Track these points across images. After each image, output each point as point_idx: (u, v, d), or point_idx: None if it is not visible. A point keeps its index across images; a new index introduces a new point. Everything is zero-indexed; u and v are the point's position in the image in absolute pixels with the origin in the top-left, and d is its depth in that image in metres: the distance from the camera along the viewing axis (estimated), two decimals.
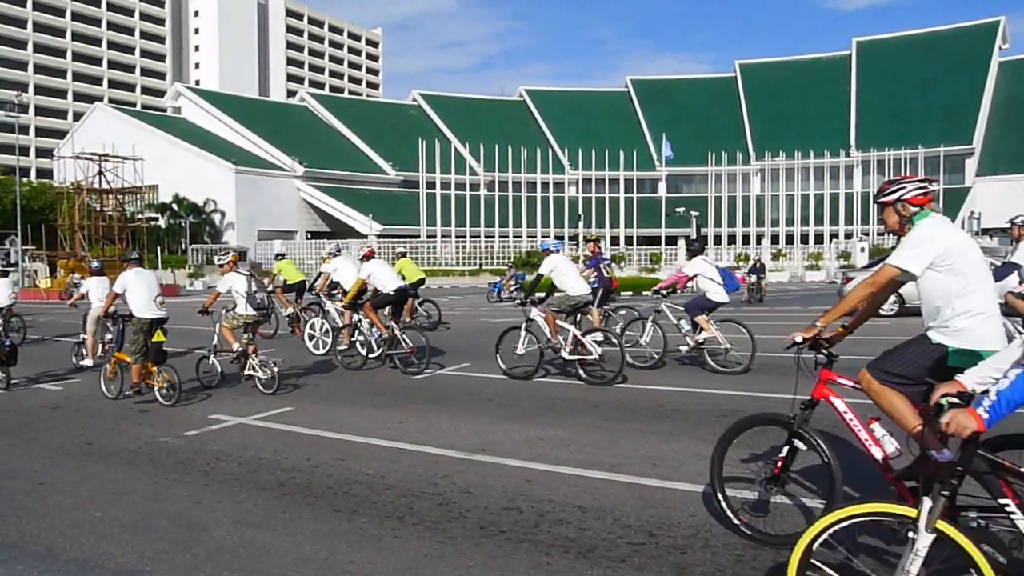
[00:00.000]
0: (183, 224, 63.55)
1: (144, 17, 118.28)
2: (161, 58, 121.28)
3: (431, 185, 65.76)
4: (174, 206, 64.66)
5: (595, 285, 12.49)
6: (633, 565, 4.00)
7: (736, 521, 4.32)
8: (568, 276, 10.20)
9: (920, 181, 4.06)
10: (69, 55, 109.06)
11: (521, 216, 68.04)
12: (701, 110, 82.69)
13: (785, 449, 4.17)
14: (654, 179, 79.72)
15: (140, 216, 62.10)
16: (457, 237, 63.26)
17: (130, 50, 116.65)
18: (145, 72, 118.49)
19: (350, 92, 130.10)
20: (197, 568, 4.12)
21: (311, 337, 13.52)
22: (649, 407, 8.17)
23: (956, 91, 72.11)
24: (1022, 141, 67.42)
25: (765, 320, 19.59)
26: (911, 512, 2.77)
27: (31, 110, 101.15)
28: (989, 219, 58.80)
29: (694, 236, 48.23)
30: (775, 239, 66.65)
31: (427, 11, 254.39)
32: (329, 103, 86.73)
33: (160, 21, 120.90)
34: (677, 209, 57.01)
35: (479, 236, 63.59)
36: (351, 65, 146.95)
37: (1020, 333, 8.38)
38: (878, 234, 64.17)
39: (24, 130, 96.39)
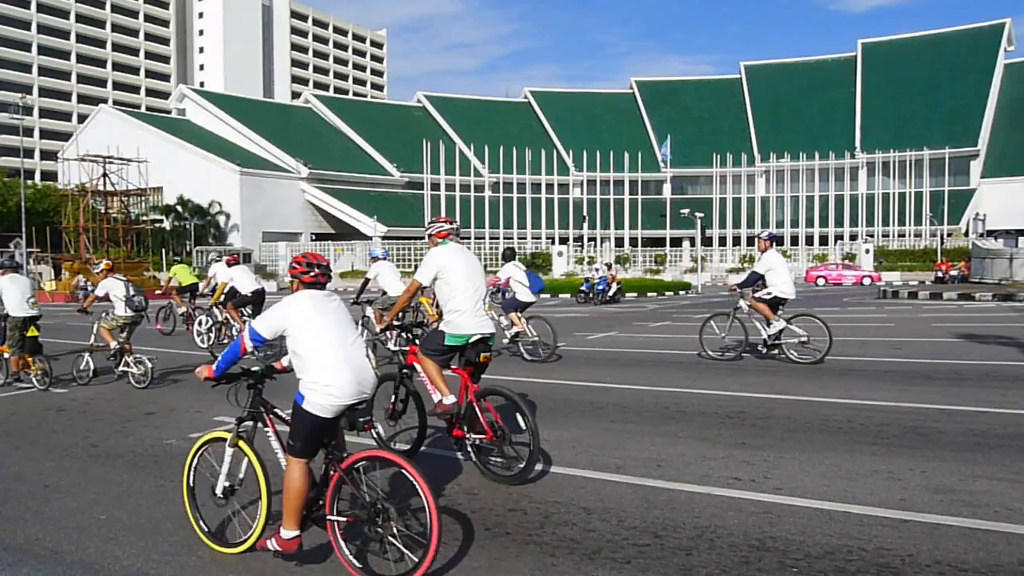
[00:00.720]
0: (188, 226, 63.72)
1: (148, 19, 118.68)
2: (166, 60, 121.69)
3: (435, 187, 65.86)
4: (179, 208, 64.86)
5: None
6: (638, 566, 3.99)
7: None
8: (389, 278, 12.85)
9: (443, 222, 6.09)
10: (73, 57, 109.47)
11: (526, 218, 68.08)
12: (706, 112, 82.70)
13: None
14: (659, 181, 79.72)
15: (145, 218, 62.30)
16: (462, 238, 63.16)
17: (134, 52, 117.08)
18: (150, 74, 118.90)
19: (355, 94, 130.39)
20: (202, 570, 4.13)
21: (198, 334, 15.09)
22: (655, 409, 8.16)
23: (961, 93, 71.96)
24: None
25: None
26: (225, 435, 4.42)
27: (35, 112, 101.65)
28: (994, 220, 58.65)
29: (699, 237, 48.25)
30: (780, 240, 66.45)
31: (433, 13, 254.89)
32: (334, 105, 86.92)
33: (164, 23, 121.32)
34: (682, 211, 56.95)
35: (484, 238, 63.63)
36: (356, 67, 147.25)
37: (765, 331, 11.04)
38: (883, 236, 64.05)
39: (28, 132, 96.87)
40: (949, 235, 59.24)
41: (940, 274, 39.08)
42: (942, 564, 3.93)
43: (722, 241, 68.06)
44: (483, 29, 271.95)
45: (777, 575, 3.86)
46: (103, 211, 55.85)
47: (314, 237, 69.10)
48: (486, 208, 67.08)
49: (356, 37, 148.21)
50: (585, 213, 69.40)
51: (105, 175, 54.60)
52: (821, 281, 47.25)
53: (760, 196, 72.73)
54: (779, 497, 5.09)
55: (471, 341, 5.70)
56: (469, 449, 5.63)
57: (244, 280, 14.09)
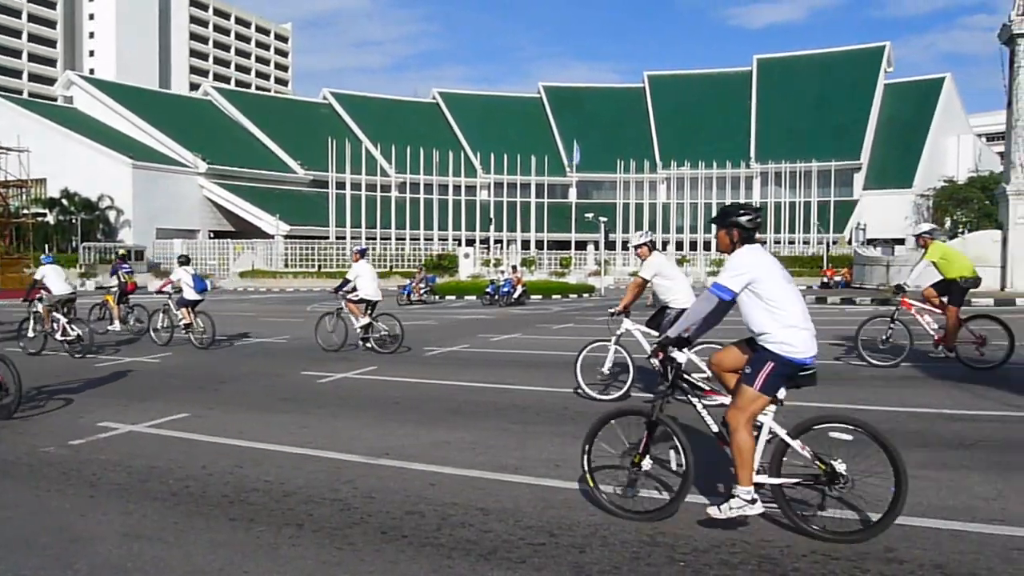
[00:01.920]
0: (74, 221, 60.21)
1: None
2: (51, 44, 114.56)
3: (341, 185, 64.73)
4: (64, 201, 61.20)
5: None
6: (533, 565, 4.05)
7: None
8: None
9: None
10: None
11: (433, 219, 67.83)
12: (611, 118, 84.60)
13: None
14: (565, 185, 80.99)
15: (26, 212, 58.43)
16: (368, 239, 62.39)
17: (15, 33, 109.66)
18: (33, 58, 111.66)
19: (258, 88, 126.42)
20: None
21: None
22: (555, 410, 8.29)
23: (846, 110, 76.36)
24: (903, 158, 72.05)
25: None
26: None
27: None
28: (874, 230, 62.58)
29: (603, 242, 49.22)
30: (680, 245, 68.82)
31: (340, 8, 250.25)
32: (235, 98, 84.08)
33: (50, 4, 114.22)
34: (587, 215, 58.06)
35: (390, 238, 62.96)
36: (259, 60, 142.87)
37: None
38: (775, 242, 67.32)
39: None
40: (834, 243, 62.79)
41: (826, 280, 41.32)
42: (816, 553, 4.16)
43: (625, 245, 69.73)
44: (392, 27, 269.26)
45: (666, 569, 3.99)
46: None
47: (212, 235, 66.57)
48: (392, 208, 66.43)
49: (260, 29, 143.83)
50: (492, 215, 69.75)
51: None
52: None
53: (662, 202, 75.04)
54: (670, 494, 5.25)
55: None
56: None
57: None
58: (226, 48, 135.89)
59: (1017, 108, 25.28)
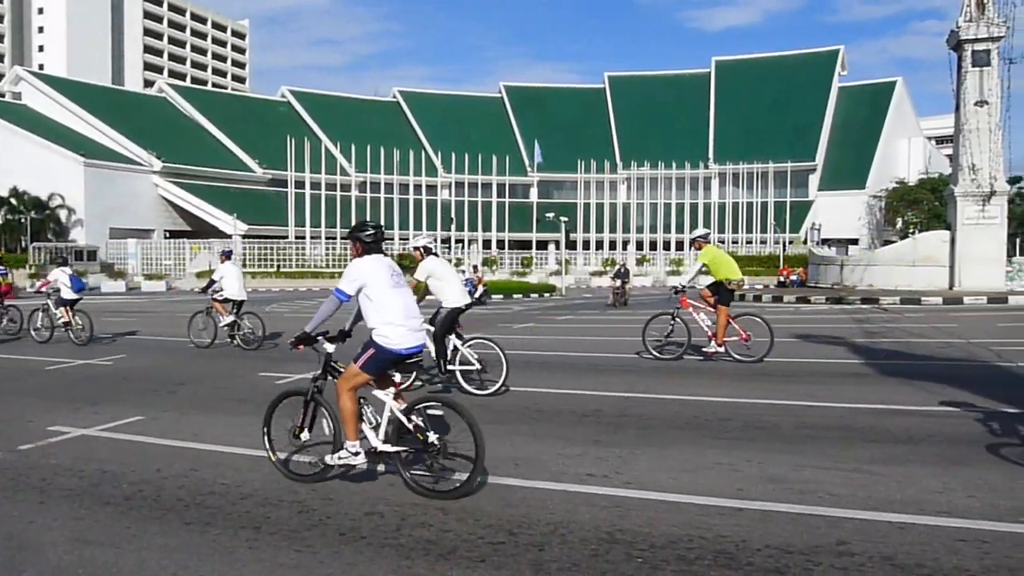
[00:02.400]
0: (23, 220, 58.52)
1: None
2: None
3: (300, 184, 64.00)
4: (13, 200, 59.43)
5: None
6: (493, 564, 4.06)
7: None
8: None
9: None
10: None
11: (393, 218, 67.46)
12: (572, 118, 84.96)
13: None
14: (526, 184, 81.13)
15: None
16: (327, 238, 61.85)
17: None
18: None
19: (214, 85, 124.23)
20: None
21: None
22: (515, 409, 8.31)
23: (802, 112, 77.81)
24: (856, 160, 73.67)
25: (624, 323, 20.30)
26: None
27: None
28: (829, 230, 63.94)
29: (564, 241, 49.40)
30: (640, 245, 69.45)
31: (299, 6, 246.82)
32: (191, 96, 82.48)
33: None
34: (547, 214, 58.28)
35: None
36: (216, 57, 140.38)
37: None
38: (733, 242, 68.39)
39: None
40: (790, 243, 63.97)
41: (782, 279, 42.07)
42: (771, 547, 4.24)
43: (586, 245, 70.18)
44: (352, 26, 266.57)
45: (624, 566, 4.03)
46: None
47: (168, 235, 65.26)
48: (352, 208, 65.90)
49: (216, 26, 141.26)
50: (453, 215, 69.60)
51: None
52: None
53: (622, 202, 75.63)
54: (629, 491, 5.32)
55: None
56: None
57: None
58: (181, 44, 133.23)
59: (965, 112, 26.05)
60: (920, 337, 14.46)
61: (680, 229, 70.59)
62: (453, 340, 9.35)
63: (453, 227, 67.68)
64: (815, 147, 76.04)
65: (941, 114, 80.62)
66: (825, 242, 59.84)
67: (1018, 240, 54.39)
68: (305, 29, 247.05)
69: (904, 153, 76.37)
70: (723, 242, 67.60)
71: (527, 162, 79.09)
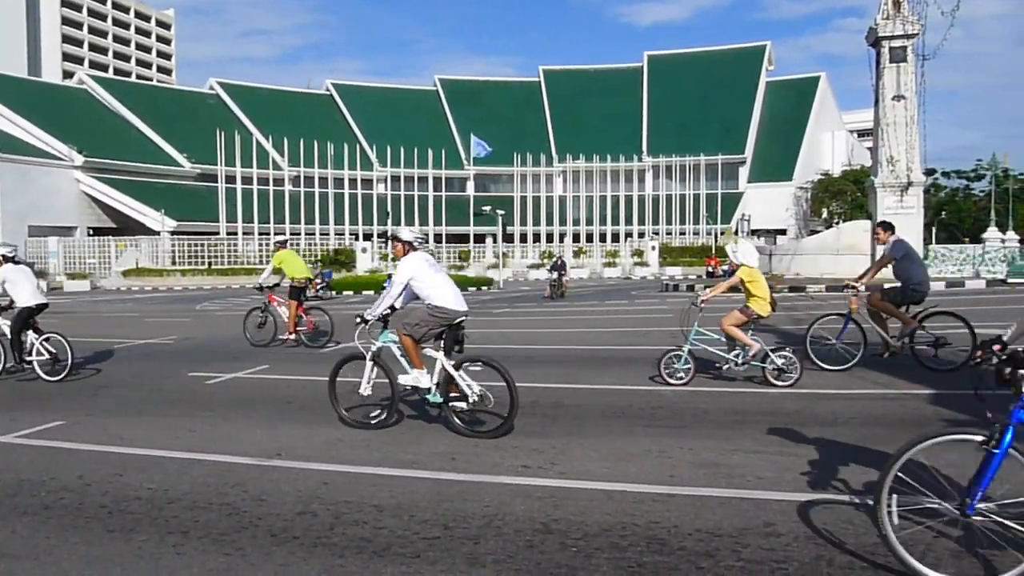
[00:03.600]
0: None
1: None
2: None
3: (231, 179, 62.32)
4: None
5: None
6: (427, 559, 4.05)
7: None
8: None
9: None
10: None
11: (328, 213, 66.42)
12: (507, 112, 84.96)
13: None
14: (463, 178, 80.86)
15: None
16: (260, 234, 60.47)
17: None
18: None
19: (139, 76, 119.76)
20: None
21: None
22: None
23: (731, 106, 79.56)
24: (783, 153, 75.81)
25: (561, 315, 20.50)
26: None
27: None
28: (758, 221, 65.73)
29: (501, 235, 49.47)
30: (576, 238, 70.03)
31: None
32: (114, 87, 79.31)
33: None
34: (484, 208, 58.26)
35: (284, 233, 60.89)
36: (140, 47, 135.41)
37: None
38: (667, 234, 69.73)
39: None
40: (722, 233, 65.49)
41: (710, 269, 43.09)
42: (701, 532, 4.35)
43: (523, 238, 70.40)
44: (282, 17, 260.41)
45: (558, 556, 4.07)
46: None
47: (92, 232, 62.70)
48: (286, 203, 64.58)
49: (139, 15, 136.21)
50: (389, 209, 68.90)
51: None
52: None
53: (558, 195, 76.12)
54: (564, 481, 5.38)
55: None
56: None
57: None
58: (103, 35, 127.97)
59: (883, 106, 27.08)
60: None
61: (616, 221, 71.48)
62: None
63: (389, 221, 66.95)
64: (744, 140, 77.91)
65: (862, 108, 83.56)
66: (755, 233, 61.40)
67: (934, 229, 56.90)
68: (234, 20, 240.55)
69: (828, 146, 78.93)
70: (657, 233, 68.87)
71: (463, 156, 78.81)
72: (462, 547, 4.20)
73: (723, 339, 9.07)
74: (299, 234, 61.63)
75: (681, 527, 4.42)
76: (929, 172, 57.59)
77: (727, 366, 8.95)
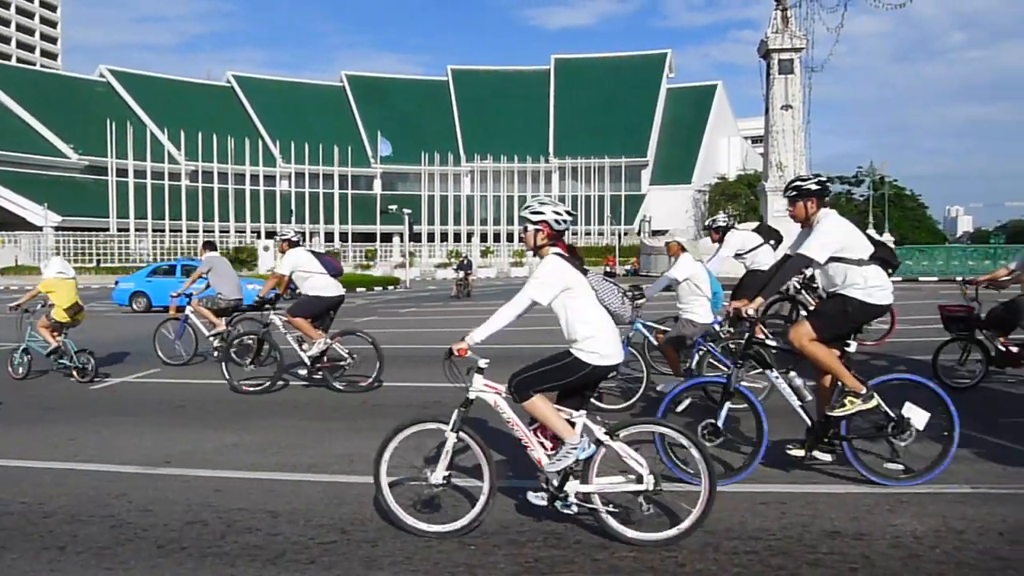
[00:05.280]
0: None
1: None
2: None
3: (123, 172, 59.40)
4: None
5: None
6: (323, 564, 3.99)
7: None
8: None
9: None
10: None
11: (228, 210, 64.22)
12: (416, 110, 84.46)
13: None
14: (369, 176, 79.80)
15: None
16: (155, 231, 57.90)
17: None
18: None
19: (20, 61, 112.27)
20: None
21: None
22: (354, 404, 8.20)
23: (634, 110, 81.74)
24: (683, 157, 78.49)
25: (467, 314, 20.51)
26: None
27: None
28: (659, 222, 67.84)
29: (407, 234, 49.09)
30: (484, 237, 70.30)
31: None
32: None
33: None
34: (390, 207, 57.66)
35: (180, 230, 58.77)
36: (21, 29, 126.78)
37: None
38: (573, 233, 70.87)
39: None
40: (625, 234, 67.18)
41: (608, 269, 44.24)
42: (597, 525, 4.44)
43: (431, 237, 70.12)
44: (180, 3, 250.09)
45: (457, 555, 4.08)
46: None
47: None
48: (183, 198, 62.05)
49: None
50: (293, 207, 67.25)
51: None
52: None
53: (466, 195, 76.23)
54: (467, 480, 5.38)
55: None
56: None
57: None
58: None
59: (773, 115, 28.42)
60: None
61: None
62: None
63: (293, 219, 65.37)
64: (646, 144, 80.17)
65: (755, 116, 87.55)
66: (656, 233, 63.23)
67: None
68: (128, 4, 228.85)
69: (724, 151, 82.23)
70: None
71: (370, 153, 77.75)
72: (359, 550, 4.16)
73: None
74: (196, 230, 59.36)
75: (578, 521, 4.51)
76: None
77: None
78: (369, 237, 69.28)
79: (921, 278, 31.66)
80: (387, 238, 66.78)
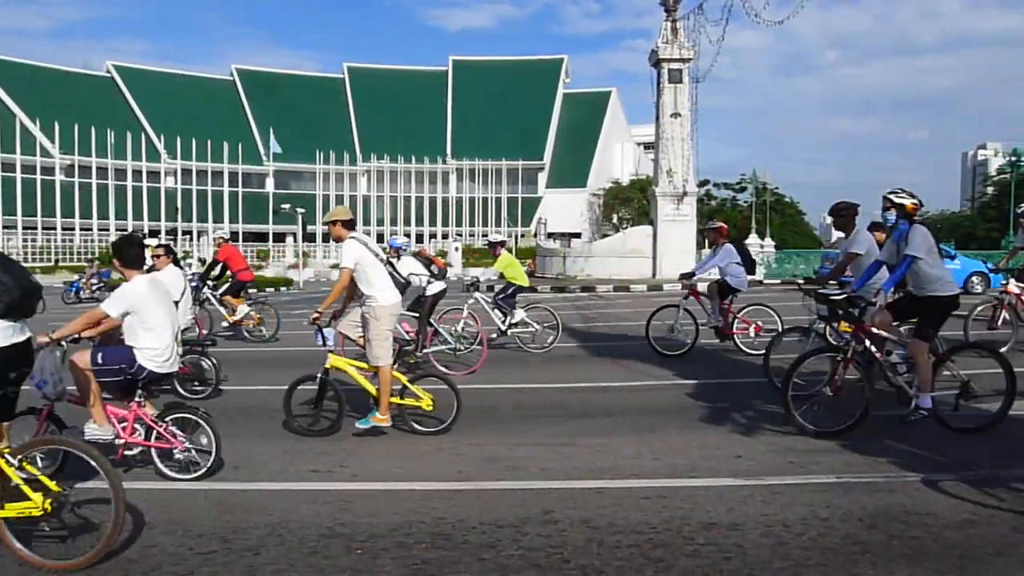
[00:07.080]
0: None
1: None
2: None
3: None
4: None
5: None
6: (202, 575, 3.85)
7: None
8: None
9: None
10: None
11: (108, 207, 60.77)
12: (310, 107, 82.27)
13: None
14: (262, 174, 77.25)
15: None
16: (26, 228, 54.14)
17: None
18: None
19: None
20: None
21: None
22: (241, 408, 7.96)
23: (531, 114, 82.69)
24: (578, 161, 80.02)
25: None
26: None
27: None
28: (555, 224, 69.15)
29: (301, 234, 47.87)
30: (380, 238, 69.35)
31: None
32: None
33: None
34: (283, 206, 56.09)
35: (54, 228, 55.22)
36: None
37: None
38: (470, 235, 71.11)
39: None
40: (522, 236, 67.91)
41: (530, 270, 44.65)
42: (484, 524, 4.50)
43: (326, 238, 68.57)
44: None
45: (342, 559, 4.04)
46: None
47: None
48: (57, 194, 58.25)
49: None
50: (179, 204, 64.33)
51: None
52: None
53: (362, 195, 75.09)
54: (353, 484, 5.34)
55: None
56: None
57: None
58: None
59: (663, 122, 29.43)
60: (627, 320, 16.14)
61: (420, 222, 71.76)
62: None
63: (180, 217, 62.52)
64: (543, 147, 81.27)
65: (647, 123, 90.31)
66: (551, 235, 64.23)
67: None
68: None
69: (618, 156, 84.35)
70: (461, 235, 69.98)
71: (262, 150, 75.27)
72: (241, 559, 4.04)
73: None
74: (73, 229, 55.93)
75: (467, 521, 4.55)
76: (703, 183, 63.22)
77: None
78: (261, 237, 67.11)
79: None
80: (280, 238, 64.83)
